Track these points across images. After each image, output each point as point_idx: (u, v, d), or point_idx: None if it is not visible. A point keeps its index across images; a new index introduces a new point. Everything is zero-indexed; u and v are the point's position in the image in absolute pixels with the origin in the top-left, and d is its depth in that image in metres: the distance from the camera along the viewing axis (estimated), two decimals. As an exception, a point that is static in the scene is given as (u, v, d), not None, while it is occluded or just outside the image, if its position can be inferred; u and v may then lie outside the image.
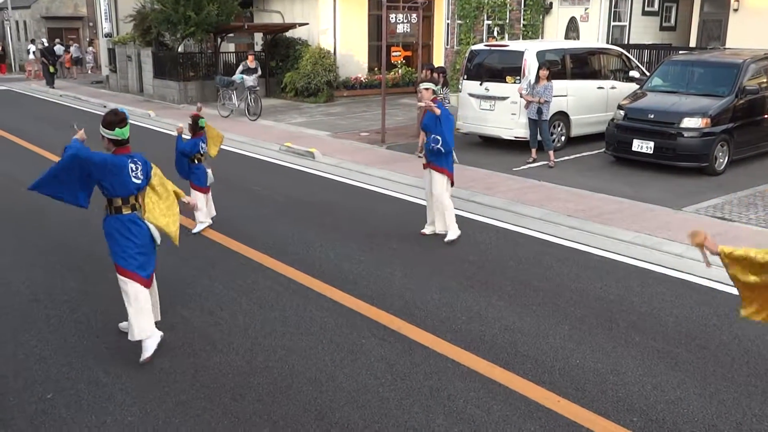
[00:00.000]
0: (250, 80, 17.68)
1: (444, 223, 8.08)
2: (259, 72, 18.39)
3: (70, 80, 30.88)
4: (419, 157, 12.58)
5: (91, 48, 35.02)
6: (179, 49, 23.34)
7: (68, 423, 4.41)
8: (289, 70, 22.02)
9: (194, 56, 22.70)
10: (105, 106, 21.74)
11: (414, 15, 14.36)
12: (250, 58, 18.21)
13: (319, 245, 7.89)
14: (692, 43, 18.05)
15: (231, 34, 22.66)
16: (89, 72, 35.02)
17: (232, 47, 24.76)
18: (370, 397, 4.69)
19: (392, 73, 22.10)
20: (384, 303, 6.26)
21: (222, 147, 9.26)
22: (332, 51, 21.95)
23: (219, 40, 22.27)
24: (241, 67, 18.14)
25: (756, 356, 5.27)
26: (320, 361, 5.20)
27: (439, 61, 22.38)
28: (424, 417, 4.46)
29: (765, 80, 11.89)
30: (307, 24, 22.02)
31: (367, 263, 7.30)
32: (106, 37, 29.49)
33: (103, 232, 5.22)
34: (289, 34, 22.84)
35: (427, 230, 8.30)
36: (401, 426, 4.36)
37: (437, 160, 8.04)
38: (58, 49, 30.88)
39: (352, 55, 22.63)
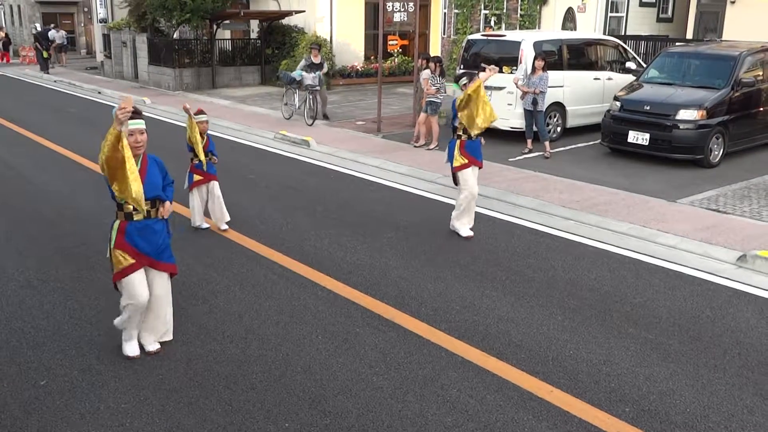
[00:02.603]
0: (309, 78, 15.08)
1: (470, 217, 8.00)
2: (325, 68, 15.92)
3: (59, 66, 30.56)
4: (415, 146, 12.59)
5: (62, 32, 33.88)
6: (175, 36, 23.22)
7: (62, 410, 4.41)
8: (285, 57, 21.93)
9: (190, 43, 22.59)
10: (99, 92, 21.65)
11: (411, 4, 14.30)
12: (314, 52, 15.61)
13: (314, 234, 7.89)
14: (689, 35, 18.05)
15: (227, 21, 22.54)
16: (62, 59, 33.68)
17: (228, 34, 24.64)
18: (363, 386, 4.70)
19: (389, 62, 22.03)
20: (378, 292, 6.27)
21: (216, 134, 9.24)
22: (328, 39, 21.85)
23: (215, 26, 22.16)
24: (303, 62, 15.69)
25: (748, 348, 5.29)
26: (314, 349, 5.21)
27: (435, 50, 22.32)
28: (418, 406, 4.47)
29: (761, 73, 11.90)
30: (304, 11, 21.92)
31: (362, 252, 7.31)
32: (101, 22, 29.32)
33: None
34: (285, 21, 22.74)
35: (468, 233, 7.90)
36: (395, 415, 4.37)
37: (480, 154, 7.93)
38: (52, 34, 30.61)
39: (349, 43, 22.54)
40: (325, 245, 7.52)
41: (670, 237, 7.68)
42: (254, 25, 23.95)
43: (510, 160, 11.58)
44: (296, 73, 15.40)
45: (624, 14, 18.80)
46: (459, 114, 7.63)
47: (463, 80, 7.76)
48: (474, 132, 7.62)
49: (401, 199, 9.51)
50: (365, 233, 7.94)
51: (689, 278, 6.73)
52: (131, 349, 5.07)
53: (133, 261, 4.81)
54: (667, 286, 6.50)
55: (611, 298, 6.23)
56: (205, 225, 8.05)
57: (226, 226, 7.96)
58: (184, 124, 8.35)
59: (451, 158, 7.87)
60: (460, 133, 7.75)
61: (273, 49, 22.74)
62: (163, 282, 5.07)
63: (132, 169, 4.46)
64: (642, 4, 19.04)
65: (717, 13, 17.74)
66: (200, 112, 7.87)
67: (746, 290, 6.44)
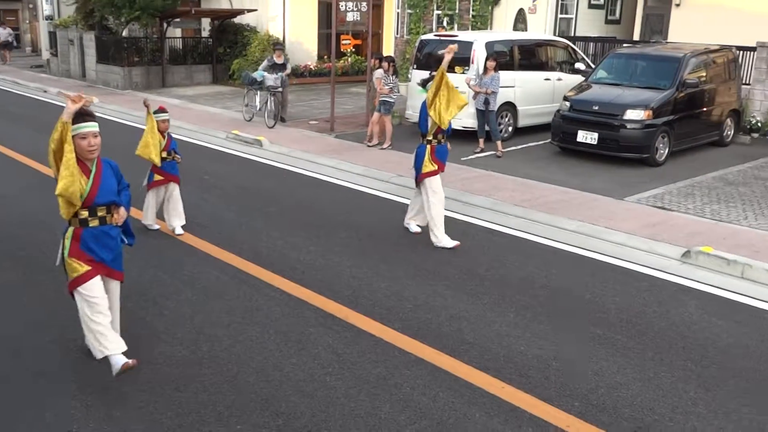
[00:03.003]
0: (270, 79, 14.52)
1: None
2: (288, 69, 15.20)
3: (2, 65, 29.67)
4: (368, 146, 12.59)
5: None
6: (124, 34, 22.79)
7: (8, 417, 4.29)
8: (237, 56, 21.72)
9: (139, 41, 22.20)
10: (45, 91, 21.10)
11: (364, 3, 14.31)
12: (277, 53, 14.94)
13: (267, 234, 7.83)
14: (636, 37, 18.44)
15: (177, 19, 22.22)
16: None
17: (179, 32, 24.29)
18: (316, 386, 4.69)
19: (342, 61, 22.00)
20: (332, 292, 6.26)
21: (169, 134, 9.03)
22: (281, 38, 21.72)
23: (165, 24, 21.82)
24: (265, 62, 15.05)
25: (692, 342, 5.44)
26: (267, 350, 5.17)
27: (389, 50, 22.38)
28: (371, 405, 4.48)
29: (704, 74, 12.24)
30: (256, 10, 21.74)
31: (315, 253, 7.28)
32: (46, 19, 28.59)
33: None
34: (237, 20, 22.52)
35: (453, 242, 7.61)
36: (348, 414, 4.37)
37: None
38: (-1, 31, 29.77)
39: (302, 42, 22.45)
40: (278, 246, 7.48)
41: (617, 234, 7.84)
42: (206, 23, 23.66)
43: (462, 159, 11.67)
44: (257, 74, 14.84)
45: (573, 16, 19.12)
46: (431, 113, 7.36)
47: (429, 84, 7.60)
48: (447, 119, 7.36)
49: (355, 199, 9.51)
50: (319, 233, 7.92)
51: (636, 274, 6.89)
52: (120, 359, 4.59)
53: (89, 268, 4.58)
54: (615, 282, 6.64)
55: (561, 294, 6.33)
56: (156, 226, 7.89)
57: (181, 231, 7.74)
58: (133, 124, 8.20)
59: (419, 164, 7.58)
60: (430, 138, 7.54)
61: (225, 48, 22.50)
62: (116, 290, 4.90)
63: (68, 164, 4.29)
64: (591, 6, 19.39)
65: (662, 15, 18.17)
66: (161, 109, 7.63)
67: (690, 285, 6.62)
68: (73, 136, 4.35)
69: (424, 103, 7.56)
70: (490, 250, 7.48)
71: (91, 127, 4.48)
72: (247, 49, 21.31)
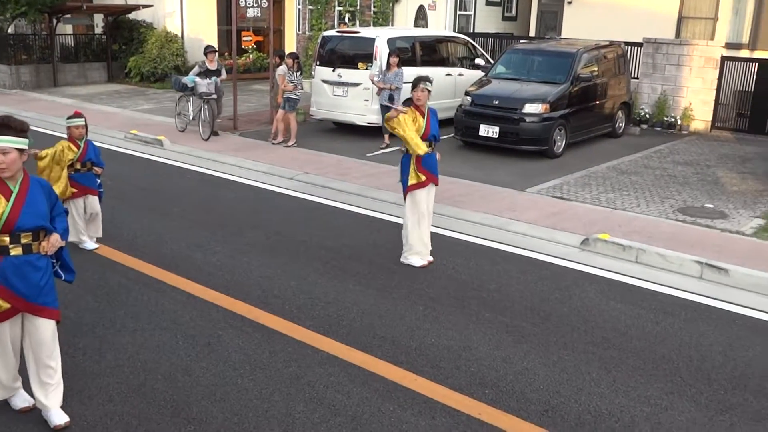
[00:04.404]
0: (203, 85, 12.93)
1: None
2: (224, 75, 13.56)
3: None
4: (273, 143, 12.46)
5: None
6: (9, 30, 21.61)
7: None
8: (133, 54, 21.00)
9: (27, 38, 21.11)
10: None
11: (264, -1, 14.13)
12: (210, 56, 13.29)
13: (171, 236, 7.62)
14: (532, 33, 19.06)
15: (68, 15, 21.25)
16: None
17: (69, 29, 23.24)
18: (228, 389, 4.61)
19: (243, 58, 21.64)
20: (240, 293, 6.16)
21: (60, 135, 8.63)
22: (179, 35, 21.16)
23: (55, 21, 20.83)
24: (196, 68, 13.39)
25: (593, 326, 5.68)
26: (174, 355, 5.04)
27: (291, 47, 22.20)
28: (285, 405, 4.44)
29: (596, 69, 12.78)
30: (152, 6, 21.10)
31: (222, 253, 7.15)
32: None
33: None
34: (132, 16, 21.78)
35: (427, 259, 7.02)
36: (261, 416, 4.32)
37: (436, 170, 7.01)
38: None
39: (201, 39, 21.89)
40: (182, 247, 7.29)
41: (520, 224, 8.09)
42: (99, 19, 22.75)
43: (368, 155, 11.73)
44: (188, 79, 13.27)
45: (472, 13, 19.55)
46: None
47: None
48: (418, 151, 6.68)
49: (261, 198, 9.39)
50: (225, 233, 7.77)
51: (539, 263, 7.12)
52: (21, 400, 4.30)
53: (7, 306, 3.96)
54: (519, 271, 6.85)
55: (469, 285, 6.47)
56: (90, 245, 7.22)
57: (96, 245, 7.21)
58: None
59: (405, 176, 6.84)
60: None
61: (120, 45, 21.72)
62: (44, 328, 4.13)
63: None
64: (488, 3, 19.88)
65: (556, 12, 18.85)
66: (77, 114, 6.95)
67: (590, 271, 6.91)
68: None
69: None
70: (399, 244, 7.54)
71: (2, 142, 3.82)
72: (144, 46, 20.65)
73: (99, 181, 7.26)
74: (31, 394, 4.26)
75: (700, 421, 4.39)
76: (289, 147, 12.28)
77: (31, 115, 14.57)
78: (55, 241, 4.01)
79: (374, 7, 19.75)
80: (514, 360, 5.09)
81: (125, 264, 6.80)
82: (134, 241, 7.45)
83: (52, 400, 4.20)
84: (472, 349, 5.23)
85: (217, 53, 13.69)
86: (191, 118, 13.69)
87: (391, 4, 19.71)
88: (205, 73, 13.14)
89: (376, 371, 4.88)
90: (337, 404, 4.47)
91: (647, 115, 14.70)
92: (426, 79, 6.78)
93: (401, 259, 6.99)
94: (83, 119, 6.97)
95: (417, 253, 6.93)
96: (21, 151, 3.90)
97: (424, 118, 6.77)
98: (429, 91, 6.74)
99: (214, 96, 13.12)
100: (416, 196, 6.85)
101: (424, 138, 6.76)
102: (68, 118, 6.95)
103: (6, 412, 4.28)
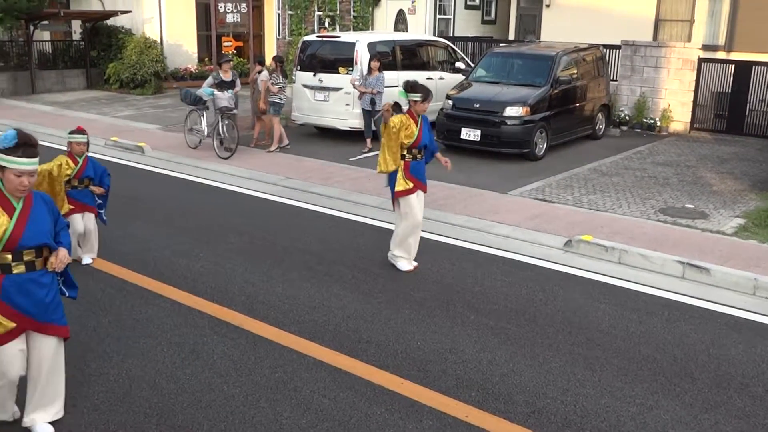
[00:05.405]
0: (224, 99, 11.98)
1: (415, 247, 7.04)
2: (238, 86, 12.45)
3: None
4: (269, 151, 12.36)
5: None
6: (-15, 37, 21.39)
7: None
8: (112, 60, 20.85)
9: (4, 45, 20.88)
10: None
11: (244, 4, 14.10)
12: (225, 66, 12.25)
13: (153, 243, 7.57)
14: (511, 36, 19.18)
15: (45, 22, 21.05)
16: None
17: (47, 35, 23.04)
18: (214, 396, 4.58)
19: (224, 63, 21.55)
20: (225, 299, 6.13)
21: (40, 143, 8.50)
22: (159, 40, 21.04)
23: (32, 27, 20.61)
24: (210, 79, 12.30)
25: (577, 327, 5.72)
26: (160, 363, 5.00)
27: (271, 52, 22.15)
28: (271, 411, 4.42)
29: (576, 71, 12.88)
30: (130, 12, 20.95)
31: (206, 259, 7.11)
32: None
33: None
34: (110, 22, 21.61)
35: (413, 264, 7.03)
36: (248, 422, 4.30)
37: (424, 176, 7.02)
38: None
39: (181, 44, 21.84)
40: (166, 255, 7.24)
41: (503, 227, 8.13)
42: (76, 26, 22.56)
43: (350, 159, 11.73)
44: (205, 92, 12.15)
45: (451, 16, 19.63)
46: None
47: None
48: (382, 168, 6.80)
49: (244, 203, 9.36)
50: (208, 239, 7.73)
51: (522, 265, 7.16)
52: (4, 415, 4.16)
53: (12, 325, 3.83)
54: (503, 273, 6.88)
55: (453, 288, 6.49)
56: (85, 259, 7.02)
57: (89, 260, 7.00)
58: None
59: (393, 182, 6.83)
60: (404, 153, 6.79)
61: (99, 52, 21.53)
62: (50, 347, 4.04)
63: None
64: (467, 7, 19.97)
65: (535, 16, 18.98)
66: (80, 130, 6.72)
67: (573, 273, 6.95)
68: (2, 167, 3.71)
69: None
70: (382, 248, 7.54)
71: (31, 165, 3.76)
72: (123, 53, 20.50)
73: (99, 201, 7.03)
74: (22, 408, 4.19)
75: (685, 420, 4.43)
76: (271, 152, 12.24)
77: (10, 123, 14.41)
78: (63, 257, 3.89)
79: (354, 11, 19.78)
80: (499, 362, 5.11)
81: (108, 272, 6.74)
82: (117, 248, 7.39)
83: (46, 414, 4.15)
84: (457, 352, 5.24)
85: (231, 62, 12.75)
86: (205, 134, 12.41)
87: (370, 9, 19.75)
88: (220, 84, 12.13)
89: (363, 375, 4.88)
90: (324, 409, 4.46)
91: (627, 117, 14.84)
92: (429, 91, 6.86)
93: (388, 257, 7.00)
94: (86, 136, 6.73)
95: (405, 258, 6.94)
96: None
97: (417, 125, 6.80)
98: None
99: (236, 111, 12.27)
100: (410, 201, 6.82)
101: (415, 146, 6.79)
102: (70, 132, 6.71)
103: (-11, 424, 4.23)
